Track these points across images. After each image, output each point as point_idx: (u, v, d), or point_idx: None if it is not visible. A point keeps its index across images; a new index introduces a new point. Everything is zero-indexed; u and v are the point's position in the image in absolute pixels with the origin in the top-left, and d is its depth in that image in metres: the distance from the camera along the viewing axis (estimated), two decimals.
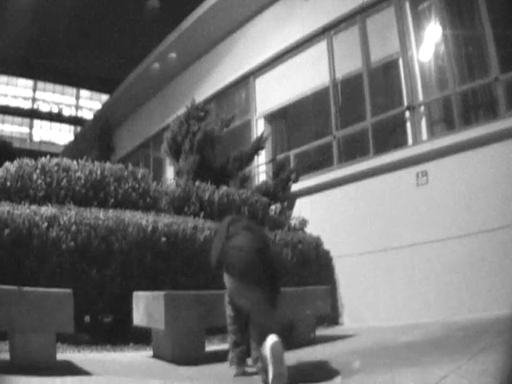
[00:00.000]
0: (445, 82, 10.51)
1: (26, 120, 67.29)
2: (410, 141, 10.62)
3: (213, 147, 12.59)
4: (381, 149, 10.95)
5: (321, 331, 8.40)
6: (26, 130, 67.55)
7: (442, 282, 8.89)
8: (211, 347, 6.18)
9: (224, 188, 10.44)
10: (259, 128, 14.74)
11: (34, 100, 68.20)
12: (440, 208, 9.22)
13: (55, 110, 69.49)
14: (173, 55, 18.36)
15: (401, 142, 10.90)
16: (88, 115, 58.99)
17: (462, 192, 8.98)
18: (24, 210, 7.04)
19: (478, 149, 8.90)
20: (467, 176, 8.98)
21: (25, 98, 67.32)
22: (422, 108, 10.73)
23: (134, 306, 6.36)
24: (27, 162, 8.79)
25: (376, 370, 4.69)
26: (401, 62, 11.09)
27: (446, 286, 8.82)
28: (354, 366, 3.91)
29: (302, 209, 11.74)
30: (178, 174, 12.51)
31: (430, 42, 10.93)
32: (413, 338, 6.79)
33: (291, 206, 12.03)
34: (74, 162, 9.09)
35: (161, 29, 22.48)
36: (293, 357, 6.02)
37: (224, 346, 5.84)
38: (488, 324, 6.88)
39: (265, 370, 4.32)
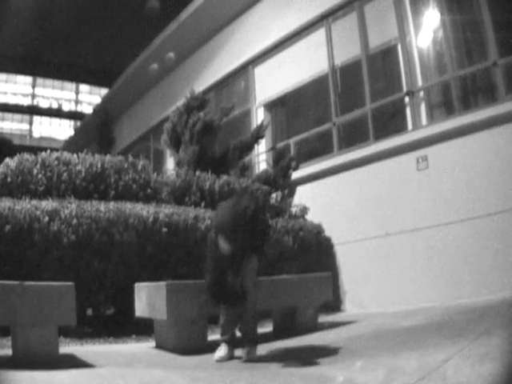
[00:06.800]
0: (444, 67, 10.48)
1: (26, 117, 67.13)
2: (409, 126, 10.60)
3: (213, 137, 12.60)
4: (381, 134, 10.93)
5: (323, 318, 8.42)
6: (25, 126, 67.39)
7: (444, 267, 8.89)
8: (213, 336, 6.19)
9: (224, 177, 10.44)
10: (259, 117, 14.72)
11: (33, 96, 68.07)
12: (440, 192, 9.21)
13: (55, 105, 69.36)
14: (171, 47, 18.33)
15: (400, 128, 10.87)
16: (88, 109, 58.78)
17: (461, 176, 8.97)
18: (25, 205, 7.05)
19: (478, 133, 8.89)
20: (467, 160, 8.97)
21: (24, 95, 67.17)
22: (422, 93, 10.71)
23: (135, 297, 6.38)
24: (27, 157, 8.81)
25: (379, 355, 4.71)
26: (399, 47, 11.04)
27: (447, 270, 8.83)
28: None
29: (302, 196, 11.73)
30: (178, 164, 12.52)
31: (428, 28, 10.88)
32: (415, 322, 6.80)
33: (292, 194, 12.03)
34: (74, 156, 9.11)
35: (159, 21, 22.40)
36: (296, 343, 6.06)
37: None
38: (490, 307, 6.89)
39: None
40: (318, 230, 10.59)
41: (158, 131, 18.51)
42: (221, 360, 5.16)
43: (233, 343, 5.39)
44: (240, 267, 5.21)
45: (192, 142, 12.30)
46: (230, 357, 5.27)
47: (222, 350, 5.28)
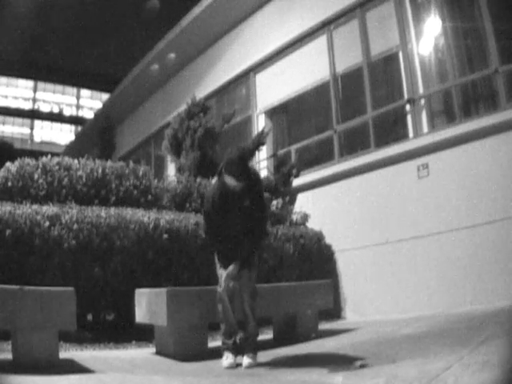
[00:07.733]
0: (445, 75, 10.47)
1: (27, 121, 67.28)
2: (410, 134, 10.58)
3: (214, 143, 12.61)
4: (382, 142, 10.92)
5: (323, 325, 8.41)
6: (26, 130, 67.56)
7: (444, 275, 8.88)
8: (214, 343, 6.19)
9: None
10: (260, 123, 14.69)
11: (34, 100, 68.20)
12: (441, 200, 9.20)
13: (56, 110, 69.49)
14: (172, 52, 18.34)
15: (401, 135, 10.86)
16: (89, 114, 58.88)
17: (462, 184, 8.96)
18: (26, 210, 7.06)
19: (479, 141, 8.86)
20: (468, 168, 8.95)
21: (25, 99, 67.31)
22: (423, 101, 10.70)
23: (136, 303, 6.37)
24: (28, 161, 8.82)
25: (379, 363, 4.70)
26: (401, 55, 11.03)
27: (448, 278, 8.81)
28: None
29: (303, 203, 11.72)
30: (179, 170, 12.52)
31: (429, 35, 10.88)
32: (415, 330, 6.79)
33: (293, 201, 12.00)
34: (75, 161, 9.12)
35: (161, 26, 22.46)
36: (296, 351, 6.05)
37: None
38: (490, 315, 6.88)
39: None
40: (318, 238, 10.58)
41: (159, 137, 18.52)
42: (231, 367, 5.16)
43: (236, 350, 5.39)
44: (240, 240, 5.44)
45: (193, 149, 12.31)
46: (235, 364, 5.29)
47: (229, 358, 5.30)
